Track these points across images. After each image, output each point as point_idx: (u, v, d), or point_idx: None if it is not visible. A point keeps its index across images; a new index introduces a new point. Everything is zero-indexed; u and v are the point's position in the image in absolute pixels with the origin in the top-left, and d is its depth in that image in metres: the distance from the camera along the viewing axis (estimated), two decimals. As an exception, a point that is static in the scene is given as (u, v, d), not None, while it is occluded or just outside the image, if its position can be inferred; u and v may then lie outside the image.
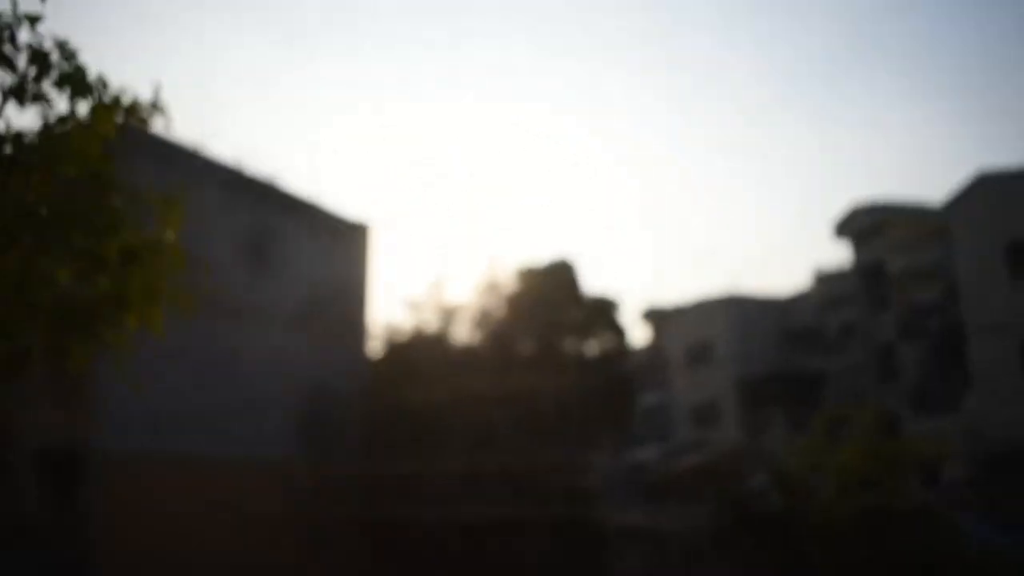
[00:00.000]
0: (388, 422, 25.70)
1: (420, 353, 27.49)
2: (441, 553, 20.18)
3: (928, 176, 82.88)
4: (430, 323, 29.11)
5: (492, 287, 30.25)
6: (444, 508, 20.90)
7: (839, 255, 40.80)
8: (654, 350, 45.98)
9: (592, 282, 32.69)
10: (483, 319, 29.96)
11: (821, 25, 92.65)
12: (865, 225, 38.85)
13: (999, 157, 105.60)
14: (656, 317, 46.46)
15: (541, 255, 31.98)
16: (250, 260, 24.58)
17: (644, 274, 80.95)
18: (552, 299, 30.98)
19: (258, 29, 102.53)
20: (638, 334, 46.90)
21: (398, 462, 23.52)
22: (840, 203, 50.87)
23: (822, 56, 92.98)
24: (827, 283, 41.84)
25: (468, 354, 28.95)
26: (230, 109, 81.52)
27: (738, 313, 42.43)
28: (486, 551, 20.00)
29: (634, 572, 24.77)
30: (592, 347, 31.83)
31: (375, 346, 28.56)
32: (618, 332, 32.43)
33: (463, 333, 29.88)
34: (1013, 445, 29.09)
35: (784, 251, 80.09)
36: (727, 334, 42.25)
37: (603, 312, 32.00)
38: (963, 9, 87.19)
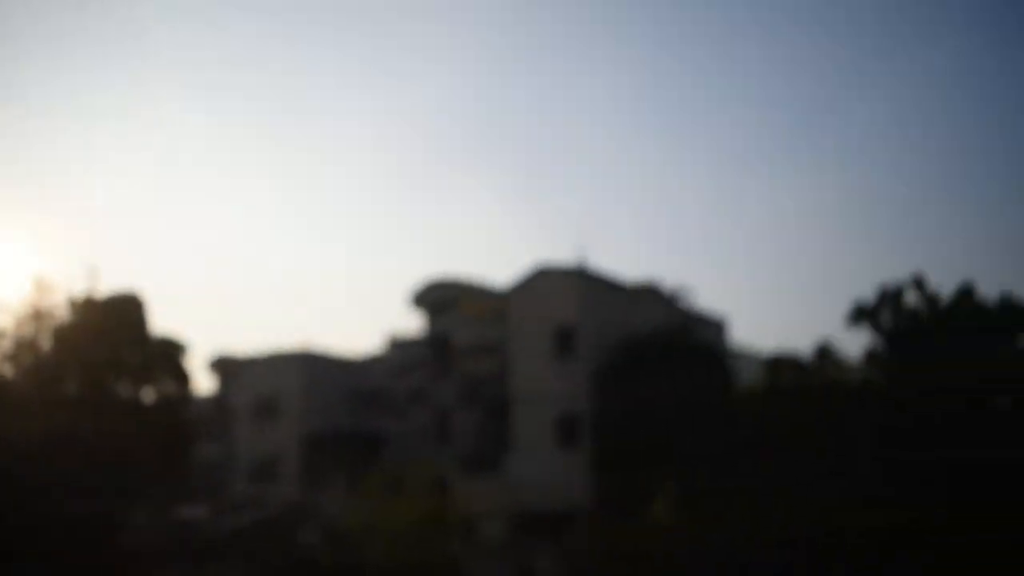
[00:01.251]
0: None
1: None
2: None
3: (504, 259, 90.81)
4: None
5: (37, 316, 26.98)
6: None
7: (416, 323, 42.82)
8: (220, 400, 44.22)
9: (161, 322, 30.56)
10: (21, 351, 26.52)
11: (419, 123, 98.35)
12: (438, 298, 41.34)
13: (560, 251, 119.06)
14: (224, 366, 44.76)
15: (105, 285, 29.20)
16: None
17: (217, 319, 77.88)
18: (112, 336, 28.47)
19: None
20: (205, 382, 44.79)
21: None
22: (420, 274, 53.85)
23: (424, 146, 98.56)
24: (401, 349, 43.56)
25: (-1, 389, 25.39)
26: None
27: (309, 369, 42.47)
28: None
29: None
30: (150, 392, 29.67)
31: None
32: (182, 378, 30.65)
33: (-6, 365, 26.14)
34: (546, 507, 32.31)
35: (370, 314, 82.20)
36: (296, 389, 42.02)
37: (168, 355, 30.06)
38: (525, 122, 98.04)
